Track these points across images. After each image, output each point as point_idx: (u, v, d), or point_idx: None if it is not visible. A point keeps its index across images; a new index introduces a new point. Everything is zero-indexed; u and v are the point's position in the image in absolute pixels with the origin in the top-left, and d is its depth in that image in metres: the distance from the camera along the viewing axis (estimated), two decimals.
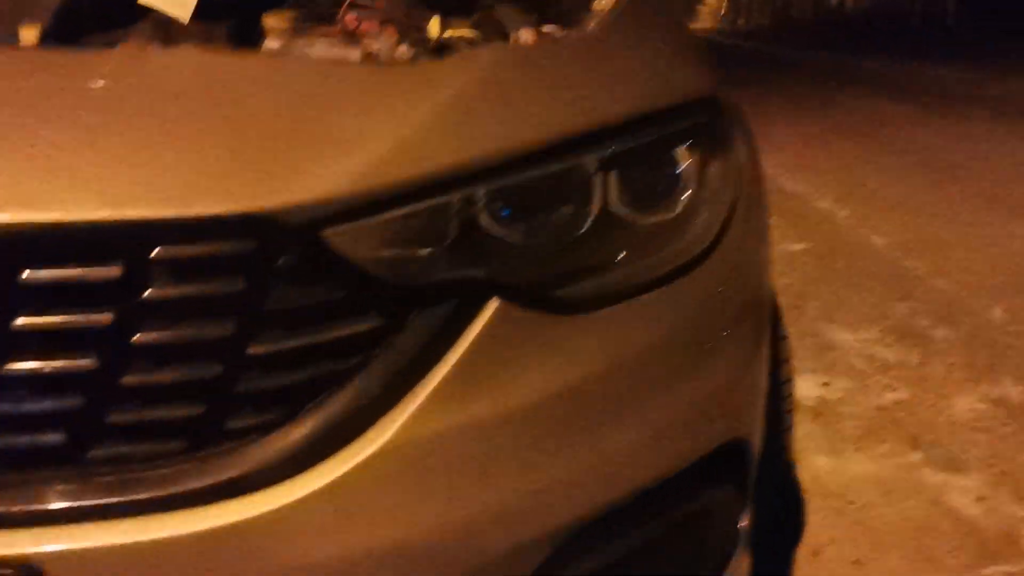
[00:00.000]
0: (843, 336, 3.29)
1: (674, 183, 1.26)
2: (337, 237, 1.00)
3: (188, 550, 0.95)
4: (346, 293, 1.01)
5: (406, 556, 1.02)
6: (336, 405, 1.00)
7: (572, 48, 1.32)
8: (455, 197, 1.06)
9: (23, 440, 0.95)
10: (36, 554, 0.93)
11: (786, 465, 1.78)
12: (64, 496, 0.95)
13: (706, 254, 1.26)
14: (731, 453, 1.30)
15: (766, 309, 1.47)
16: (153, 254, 0.94)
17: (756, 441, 1.38)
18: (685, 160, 1.26)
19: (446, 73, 1.17)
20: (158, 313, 0.95)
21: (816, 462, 2.40)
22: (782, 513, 2.10)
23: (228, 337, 0.97)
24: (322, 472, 0.99)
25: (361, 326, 1.02)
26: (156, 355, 0.96)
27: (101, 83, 1.09)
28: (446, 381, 1.03)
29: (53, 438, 0.95)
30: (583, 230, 1.15)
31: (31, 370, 0.93)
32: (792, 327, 2.87)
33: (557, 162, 1.14)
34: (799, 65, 17.72)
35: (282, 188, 0.98)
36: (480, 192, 1.08)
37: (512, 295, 1.08)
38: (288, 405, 1.00)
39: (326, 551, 0.99)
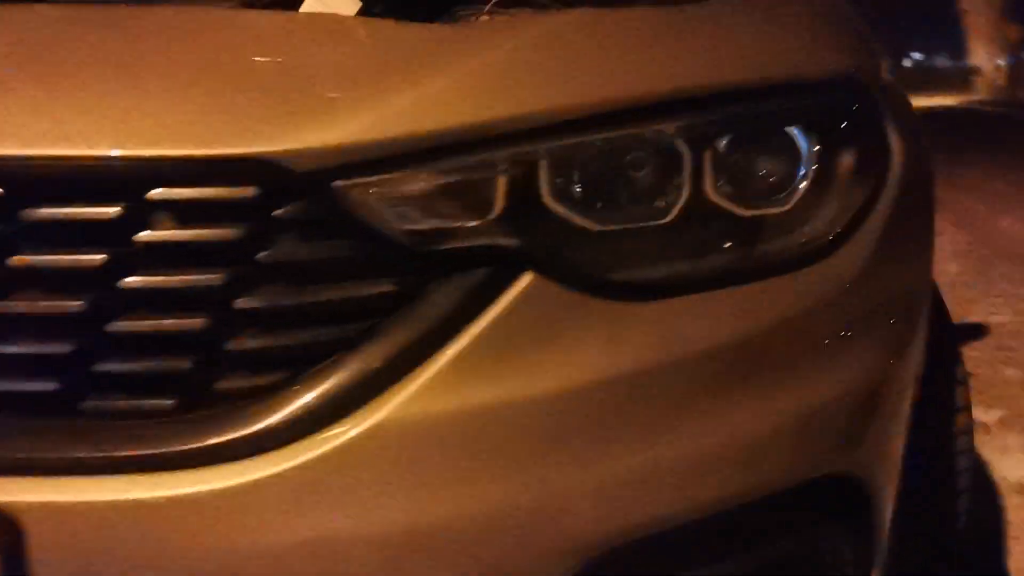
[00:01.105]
0: None
1: (788, 170, 1.10)
2: (350, 190, 0.91)
3: (163, 514, 0.88)
4: (355, 254, 0.92)
5: (393, 550, 0.90)
6: (333, 375, 0.91)
7: (661, 13, 1.19)
8: (497, 156, 0.95)
9: (13, 385, 0.91)
10: (11, 503, 0.88)
11: (956, 533, 1.51)
12: (47, 448, 0.90)
13: (817, 255, 1.10)
14: (835, 490, 1.10)
15: (915, 332, 1.25)
16: (151, 194, 0.89)
17: (882, 484, 1.16)
18: (804, 145, 1.10)
19: (505, 29, 1.08)
20: (152, 257, 0.90)
21: None
22: None
23: (222, 288, 0.90)
24: (308, 446, 0.89)
25: (370, 291, 0.92)
26: (146, 302, 0.90)
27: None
28: (459, 359, 0.92)
29: (44, 385, 0.91)
30: (667, 219, 1.02)
31: (22, 311, 0.90)
32: None
33: (628, 127, 1.02)
34: None
35: (292, 132, 0.90)
36: (531, 154, 0.96)
37: (552, 271, 0.95)
38: (284, 370, 0.92)
39: (304, 531, 0.89)
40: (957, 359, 1.57)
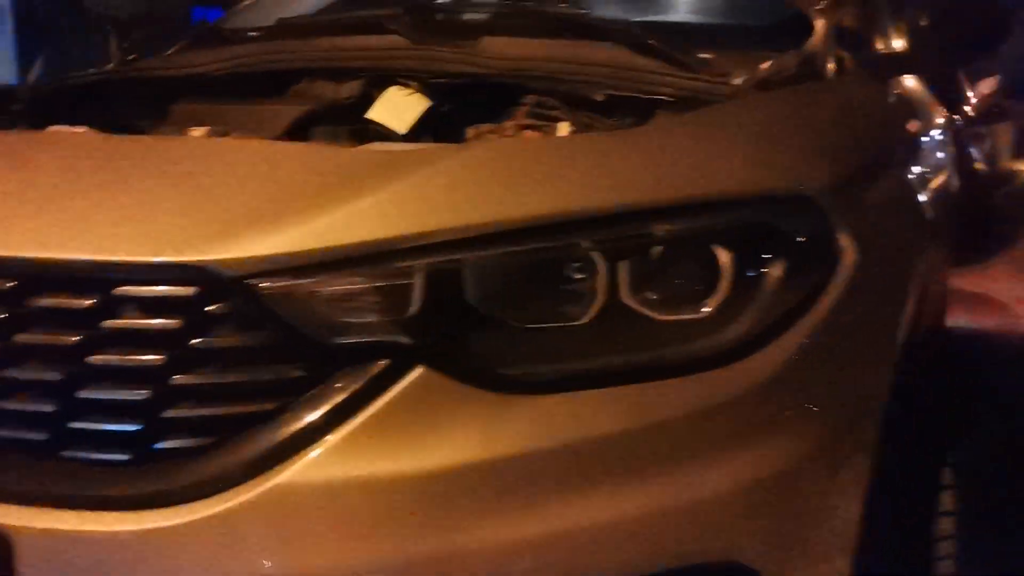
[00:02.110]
0: None
1: (706, 280, 1.21)
2: (269, 291, 1.11)
3: (109, 544, 1.11)
4: (273, 343, 1.12)
5: None
6: (249, 442, 1.11)
7: (593, 138, 1.32)
8: (410, 266, 1.13)
9: (12, 434, 1.17)
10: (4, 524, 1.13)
11: None
12: (35, 484, 1.15)
13: (729, 358, 1.20)
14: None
15: (850, 434, 1.31)
16: (115, 291, 1.13)
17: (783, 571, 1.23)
18: (722, 257, 1.21)
19: (437, 154, 1.25)
20: (113, 340, 1.13)
21: None
22: None
23: (163, 366, 1.12)
24: (222, 500, 1.09)
25: (284, 374, 1.12)
26: (109, 374, 1.14)
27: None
28: (351, 437, 1.09)
29: (34, 435, 1.16)
30: (583, 320, 1.16)
31: (13, 378, 1.16)
32: None
33: (548, 241, 1.17)
34: None
35: (222, 244, 1.12)
36: (450, 263, 1.13)
37: (443, 366, 1.11)
38: (211, 435, 1.12)
39: (214, 572, 1.09)
40: (941, 464, 1.57)
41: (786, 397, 1.23)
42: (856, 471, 1.30)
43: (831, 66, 1.77)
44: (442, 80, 1.81)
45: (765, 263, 1.23)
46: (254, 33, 2.10)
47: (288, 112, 1.74)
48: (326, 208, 1.15)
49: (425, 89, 1.82)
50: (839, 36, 1.85)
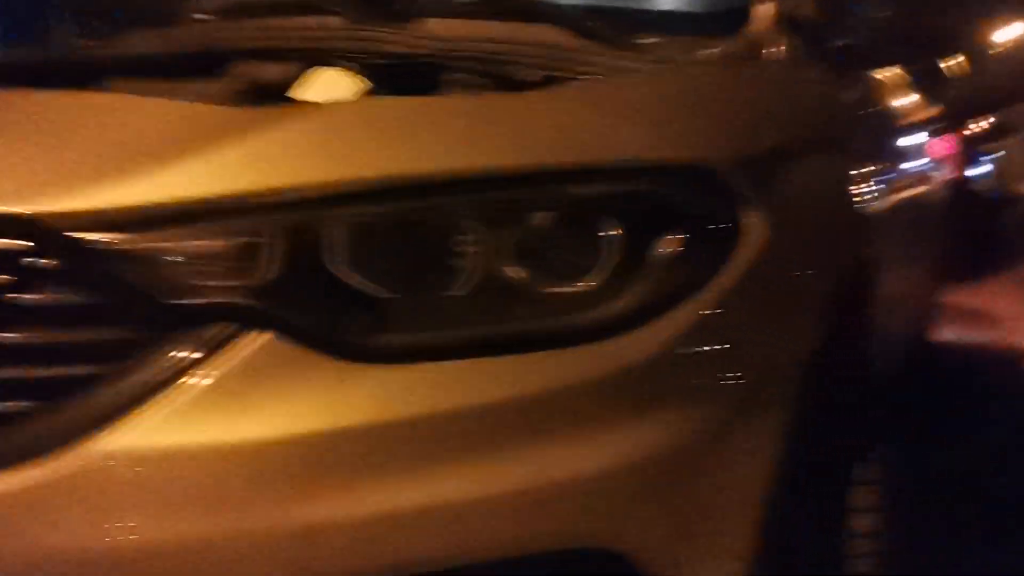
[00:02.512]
0: None
1: (590, 251, 1.15)
2: (102, 248, 1.06)
3: None
4: (107, 302, 1.07)
5: (108, 568, 1.03)
6: (69, 407, 1.05)
7: (484, 99, 1.26)
8: (262, 224, 1.07)
9: None
10: None
11: None
12: None
13: (611, 331, 1.14)
14: (595, 563, 1.12)
15: (745, 417, 1.24)
16: None
17: (666, 566, 1.16)
18: (609, 228, 1.15)
19: (305, 109, 1.20)
20: None
21: None
22: None
23: None
24: (37, 467, 1.03)
25: (114, 335, 1.07)
26: None
27: None
28: (185, 402, 1.04)
29: None
30: (457, 290, 1.11)
31: None
32: None
33: (422, 201, 1.11)
34: None
35: (55, 196, 1.07)
36: (308, 223, 1.08)
37: (291, 332, 1.06)
38: (36, 398, 1.06)
39: (44, 541, 1.03)
40: (857, 459, 1.50)
41: (676, 374, 1.17)
42: (756, 462, 1.23)
43: (773, 52, 1.72)
44: (378, 61, 1.77)
45: (658, 235, 1.17)
46: (200, 15, 2.07)
47: (213, 90, 1.70)
48: (171, 161, 1.10)
49: (361, 70, 1.78)
50: (791, 25, 1.80)
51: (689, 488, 1.18)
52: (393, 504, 1.05)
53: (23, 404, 1.07)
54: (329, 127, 1.19)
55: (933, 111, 2.37)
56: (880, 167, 1.83)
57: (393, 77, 1.76)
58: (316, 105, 1.32)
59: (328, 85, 1.80)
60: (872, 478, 1.48)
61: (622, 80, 1.48)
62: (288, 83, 1.79)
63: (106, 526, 1.03)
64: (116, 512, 1.03)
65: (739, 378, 1.22)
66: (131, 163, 1.10)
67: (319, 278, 1.07)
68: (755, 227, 1.23)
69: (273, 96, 1.76)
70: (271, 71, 1.81)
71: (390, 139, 1.16)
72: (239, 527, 1.03)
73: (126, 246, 1.06)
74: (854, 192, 1.63)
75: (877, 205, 1.75)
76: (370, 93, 1.74)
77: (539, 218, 1.13)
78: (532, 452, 1.09)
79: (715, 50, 1.72)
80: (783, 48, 1.74)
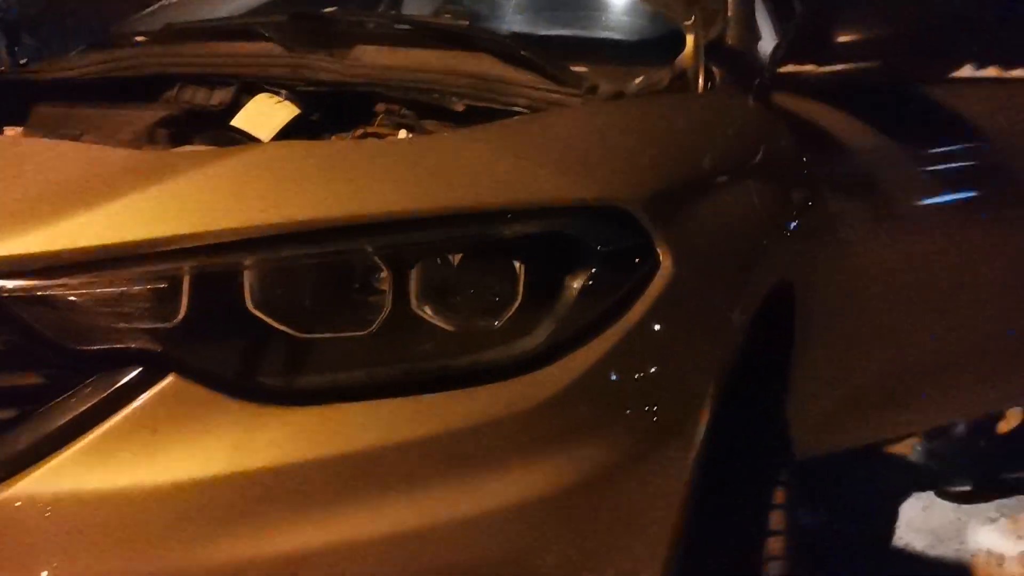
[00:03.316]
0: None
1: (500, 289, 1.18)
2: (10, 295, 1.07)
3: None
4: (15, 348, 1.07)
5: None
6: None
7: (390, 144, 1.30)
8: (174, 269, 1.09)
9: None
10: None
11: None
12: None
13: (522, 368, 1.17)
14: None
15: (660, 440, 1.27)
16: None
17: None
18: (518, 267, 1.18)
19: (214, 155, 1.22)
20: None
21: None
22: None
23: None
24: None
25: (26, 381, 1.08)
26: None
27: None
28: (93, 448, 1.05)
29: None
30: (369, 330, 1.13)
31: None
32: None
33: (331, 245, 1.14)
34: None
35: None
36: (223, 266, 1.10)
37: (198, 375, 1.08)
38: None
39: None
40: (773, 479, 1.54)
41: (589, 408, 1.19)
42: (671, 482, 1.26)
43: (701, 82, 1.76)
44: (311, 88, 1.79)
45: (571, 273, 1.20)
46: (140, 37, 2.08)
47: (146, 117, 1.71)
48: (86, 206, 1.11)
49: (294, 97, 1.80)
50: (718, 53, 1.84)
51: (606, 515, 1.21)
52: (305, 543, 1.07)
53: None
54: (242, 172, 1.21)
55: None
56: (803, 192, 1.87)
57: (324, 105, 1.78)
58: (229, 150, 1.34)
59: (261, 112, 1.82)
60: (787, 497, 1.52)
61: (540, 119, 1.51)
62: (223, 109, 1.81)
63: (18, 571, 1.04)
64: (28, 557, 1.05)
65: (653, 405, 1.25)
66: (40, 209, 1.12)
67: (225, 322, 1.09)
68: (665, 261, 1.27)
69: (207, 122, 1.79)
70: (206, 97, 1.83)
71: (303, 184, 1.18)
72: (150, 568, 1.05)
73: (33, 292, 1.07)
74: (774, 218, 1.67)
75: (800, 230, 1.79)
76: (298, 120, 1.77)
77: (452, 259, 1.16)
78: (446, 488, 1.11)
79: (644, 79, 1.75)
80: (712, 77, 1.78)
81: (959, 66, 2.07)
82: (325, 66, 1.80)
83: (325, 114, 1.79)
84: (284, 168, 1.22)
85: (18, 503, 1.04)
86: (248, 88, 1.82)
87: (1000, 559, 2.52)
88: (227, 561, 1.05)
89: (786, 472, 1.58)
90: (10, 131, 1.50)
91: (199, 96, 1.84)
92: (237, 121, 1.78)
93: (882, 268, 2.01)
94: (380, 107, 1.67)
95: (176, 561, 1.05)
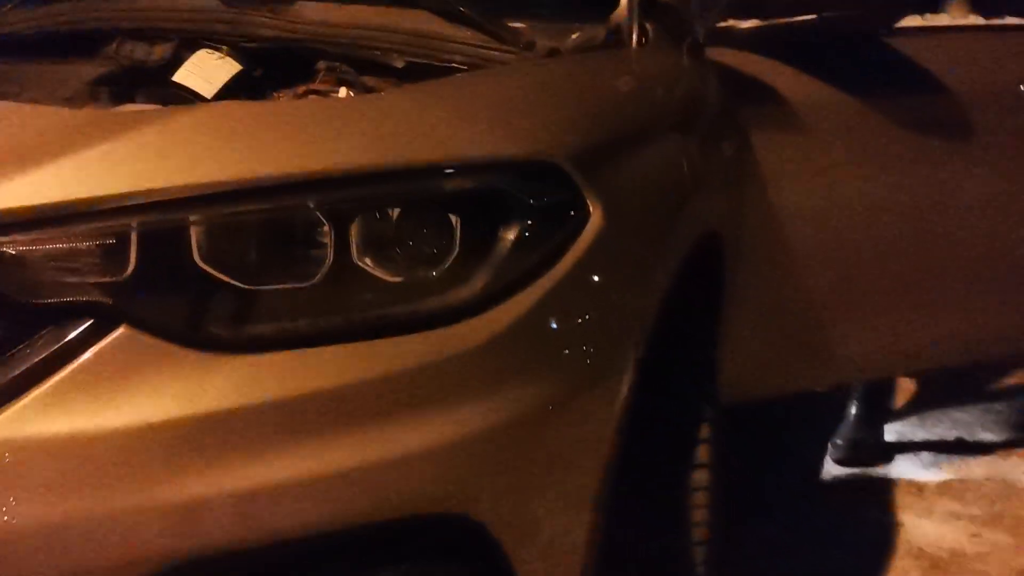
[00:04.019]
0: None
1: (437, 241, 1.24)
2: None
3: None
4: None
5: None
6: None
7: (331, 103, 1.34)
8: (120, 225, 1.13)
9: None
10: None
11: None
12: None
13: (458, 316, 1.22)
14: (449, 530, 1.22)
15: (588, 393, 1.34)
16: None
17: (513, 526, 1.26)
18: (453, 219, 1.23)
19: (161, 114, 1.25)
20: None
21: None
22: None
23: None
24: None
25: None
26: None
27: None
28: (48, 394, 1.10)
29: None
30: (312, 281, 1.18)
31: None
32: None
33: (273, 201, 1.18)
34: None
35: None
36: (171, 222, 1.14)
37: (148, 326, 1.12)
38: None
39: None
40: (700, 419, 1.62)
41: (522, 352, 1.25)
42: (601, 423, 1.33)
43: (635, 37, 1.81)
44: (252, 44, 1.81)
45: (499, 226, 1.25)
46: None
47: (86, 72, 1.73)
48: (35, 165, 1.14)
49: (235, 53, 1.82)
50: (653, 8, 1.89)
51: (538, 452, 1.27)
52: (254, 482, 1.12)
53: None
54: (187, 130, 1.25)
55: None
56: (732, 143, 1.94)
57: (265, 61, 1.81)
58: (174, 109, 1.37)
59: (203, 68, 1.84)
60: (708, 438, 1.60)
61: (474, 77, 1.55)
62: (163, 65, 1.83)
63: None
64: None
65: (582, 349, 1.32)
66: None
67: (174, 274, 1.14)
68: (595, 213, 1.32)
69: (148, 78, 1.80)
70: (147, 52, 1.85)
71: (247, 142, 1.22)
72: (108, 508, 1.10)
73: None
74: (702, 171, 1.73)
75: (729, 181, 1.85)
76: (240, 76, 1.79)
77: (388, 213, 1.21)
78: (388, 428, 1.17)
79: (580, 35, 1.80)
80: (646, 32, 1.83)
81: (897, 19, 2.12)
82: (265, 22, 1.82)
83: (266, 70, 1.82)
84: (228, 126, 1.26)
85: None
86: (188, 44, 1.84)
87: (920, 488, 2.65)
88: (180, 501, 1.10)
89: (712, 413, 1.65)
90: None
91: (139, 51, 1.85)
92: (179, 77, 1.79)
93: (810, 213, 2.08)
94: (321, 65, 1.70)
95: (132, 501, 1.10)
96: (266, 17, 1.83)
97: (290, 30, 1.79)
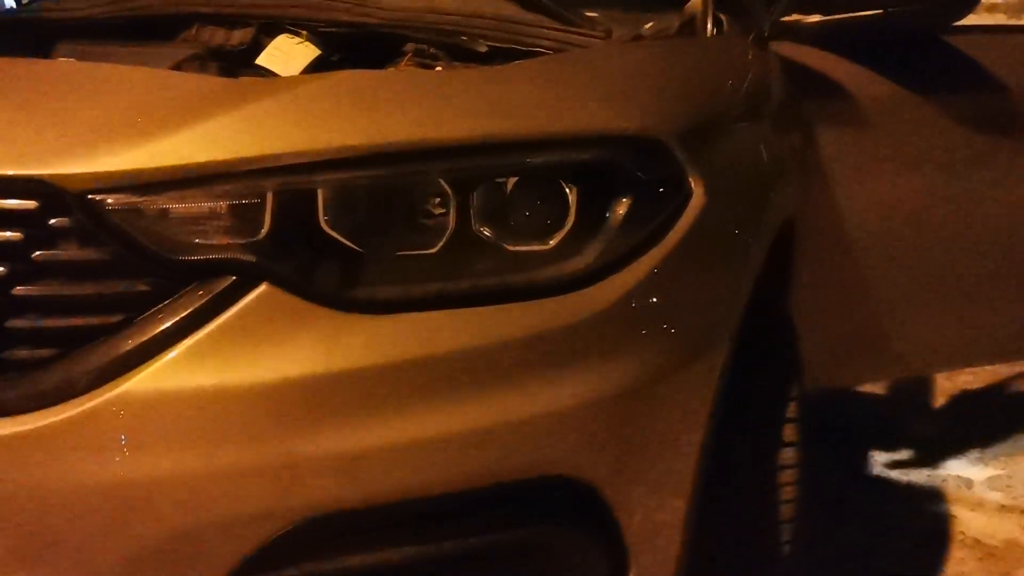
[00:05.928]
0: None
1: (552, 212, 1.26)
2: (115, 207, 1.13)
3: None
4: (117, 258, 1.13)
5: (125, 500, 1.11)
6: (89, 354, 1.12)
7: (450, 73, 1.36)
8: (260, 187, 1.15)
9: None
10: None
11: (778, 558, 1.58)
12: None
13: (574, 285, 1.24)
14: (563, 492, 1.23)
15: (694, 362, 1.36)
16: None
17: (628, 494, 1.29)
18: (567, 192, 1.25)
19: (295, 80, 1.27)
20: None
21: None
22: None
23: (6, 278, 1.13)
24: (62, 409, 1.10)
25: (129, 288, 1.14)
26: None
27: None
28: (194, 350, 1.11)
29: None
30: (434, 248, 1.20)
31: None
32: None
33: (399, 168, 1.20)
34: None
35: (67, 160, 1.14)
36: (304, 185, 1.16)
37: (288, 285, 1.14)
38: (58, 346, 1.13)
39: (66, 477, 1.11)
40: (788, 399, 1.64)
41: (629, 325, 1.27)
42: (700, 398, 1.35)
43: (709, 27, 1.83)
44: (331, 29, 1.84)
45: (612, 200, 1.27)
46: None
47: (171, 55, 1.75)
48: (176, 128, 1.17)
49: (315, 38, 1.84)
50: (724, 1, 1.92)
51: (642, 424, 1.29)
52: (383, 440, 1.14)
53: (42, 352, 1.13)
54: (315, 97, 1.27)
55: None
56: (801, 134, 1.96)
57: (344, 46, 1.83)
58: (304, 78, 1.39)
59: (283, 52, 1.86)
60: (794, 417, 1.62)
61: (577, 55, 1.57)
62: (243, 49, 1.85)
63: (128, 464, 1.10)
64: (136, 450, 1.10)
65: (684, 324, 1.34)
66: (135, 130, 1.17)
67: (310, 236, 1.16)
68: (697, 191, 1.35)
69: (229, 62, 1.82)
70: (225, 37, 1.87)
71: (376, 110, 1.25)
72: (243, 461, 1.11)
73: (138, 206, 1.13)
74: (780, 158, 1.75)
75: (799, 171, 1.88)
76: (318, 60, 1.81)
77: (505, 184, 1.23)
78: (506, 392, 1.19)
79: (655, 24, 1.82)
80: (720, 24, 1.86)
81: (960, 16, 2.15)
82: (343, 8, 1.84)
83: (344, 55, 1.84)
84: (358, 94, 1.28)
85: (127, 400, 1.10)
86: (267, 29, 1.86)
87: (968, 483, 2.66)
88: (319, 454, 1.13)
89: (799, 392, 1.67)
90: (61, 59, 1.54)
91: (218, 36, 1.87)
92: (262, 60, 1.82)
93: (873, 207, 2.10)
94: (409, 47, 1.72)
95: (272, 456, 1.12)
96: (344, 3, 1.85)
97: (369, 15, 1.81)
